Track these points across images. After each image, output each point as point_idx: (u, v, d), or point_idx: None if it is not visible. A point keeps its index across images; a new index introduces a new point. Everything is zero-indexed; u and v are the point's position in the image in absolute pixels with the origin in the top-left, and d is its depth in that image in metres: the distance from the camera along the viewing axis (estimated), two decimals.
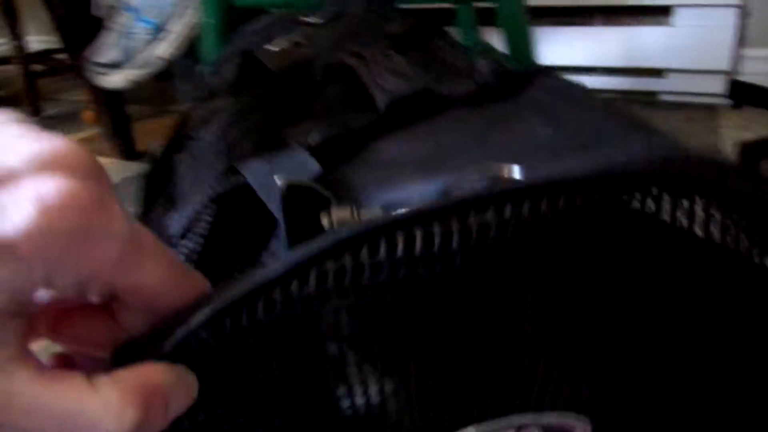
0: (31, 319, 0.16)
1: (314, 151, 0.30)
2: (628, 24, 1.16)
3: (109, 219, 0.16)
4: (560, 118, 0.28)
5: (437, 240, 0.18)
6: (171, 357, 0.18)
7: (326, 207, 0.23)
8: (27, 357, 0.16)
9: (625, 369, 0.23)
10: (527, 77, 0.33)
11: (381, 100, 0.35)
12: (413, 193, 0.24)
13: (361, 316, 0.19)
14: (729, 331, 0.22)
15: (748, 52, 1.12)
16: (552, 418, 0.23)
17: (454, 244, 0.18)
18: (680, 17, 1.13)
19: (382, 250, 0.18)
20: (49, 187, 0.15)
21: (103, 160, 0.59)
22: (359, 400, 0.23)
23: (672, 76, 1.17)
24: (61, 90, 1.66)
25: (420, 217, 0.18)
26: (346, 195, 0.26)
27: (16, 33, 1.40)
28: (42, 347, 0.18)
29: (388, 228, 0.18)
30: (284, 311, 0.18)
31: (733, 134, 1.02)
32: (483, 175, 0.21)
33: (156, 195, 0.41)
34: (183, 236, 0.30)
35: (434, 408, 0.22)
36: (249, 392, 0.20)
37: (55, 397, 0.16)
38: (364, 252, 0.18)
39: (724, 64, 1.10)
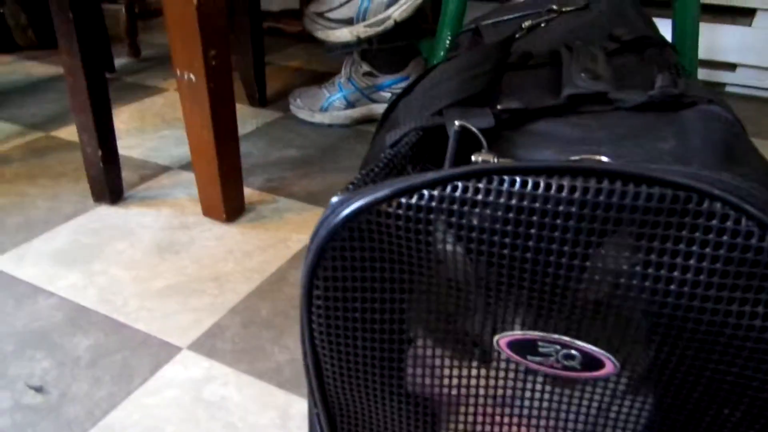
0: None
1: (497, 114, 0.41)
2: (713, 21, 1.35)
3: None
4: (690, 140, 0.35)
5: (530, 187, 0.28)
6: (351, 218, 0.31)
7: (480, 149, 0.34)
8: None
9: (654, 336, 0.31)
10: (691, 103, 0.40)
11: (566, 91, 0.44)
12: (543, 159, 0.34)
13: (471, 231, 0.30)
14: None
15: None
16: (588, 347, 0.32)
17: (543, 192, 0.28)
18: (761, 19, 1.34)
19: (495, 184, 0.28)
20: None
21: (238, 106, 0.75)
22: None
23: (741, 71, 1.40)
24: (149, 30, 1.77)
25: (524, 170, 0.28)
26: (499, 147, 0.36)
27: None
28: None
29: (502, 171, 0.28)
30: (431, 203, 0.30)
31: None
32: (584, 160, 0.30)
33: (384, 122, 0.56)
34: (392, 146, 0.43)
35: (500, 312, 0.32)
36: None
37: None
38: (483, 183, 0.29)
39: None
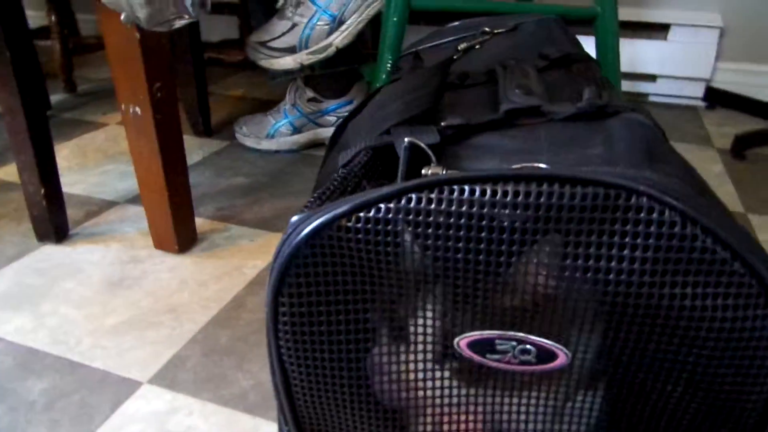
0: None
1: (441, 130, 0.43)
2: (632, 37, 1.46)
3: None
4: (616, 145, 0.38)
5: (478, 194, 0.30)
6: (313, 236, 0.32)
7: (429, 163, 0.36)
8: None
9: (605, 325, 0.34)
10: (615, 112, 0.43)
11: (503, 106, 0.47)
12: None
13: (426, 239, 0.32)
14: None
15: (720, 64, 1.49)
16: (541, 341, 0.35)
17: (490, 198, 0.30)
18: (674, 34, 1.45)
19: (446, 194, 0.31)
20: None
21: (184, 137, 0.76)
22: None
23: (661, 81, 1.51)
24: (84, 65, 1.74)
25: (472, 179, 0.30)
26: (446, 161, 0.39)
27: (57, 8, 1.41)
28: None
29: (452, 181, 0.31)
30: (388, 216, 0.32)
31: (713, 130, 1.34)
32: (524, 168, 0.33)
33: (334, 144, 0.58)
34: (344, 166, 0.45)
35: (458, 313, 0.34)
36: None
37: None
38: (435, 194, 0.31)
39: (706, 73, 1.45)
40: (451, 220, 0.32)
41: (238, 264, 0.82)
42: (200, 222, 0.91)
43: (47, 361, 0.64)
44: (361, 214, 0.33)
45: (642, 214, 0.30)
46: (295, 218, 0.37)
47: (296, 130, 1.19)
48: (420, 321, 0.37)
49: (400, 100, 0.52)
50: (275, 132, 1.18)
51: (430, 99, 0.51)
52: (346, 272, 0.35)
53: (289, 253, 0.35)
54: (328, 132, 1.17)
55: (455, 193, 0.32)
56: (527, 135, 0.44)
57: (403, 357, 0.38)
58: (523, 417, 0.39)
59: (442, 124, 0.45)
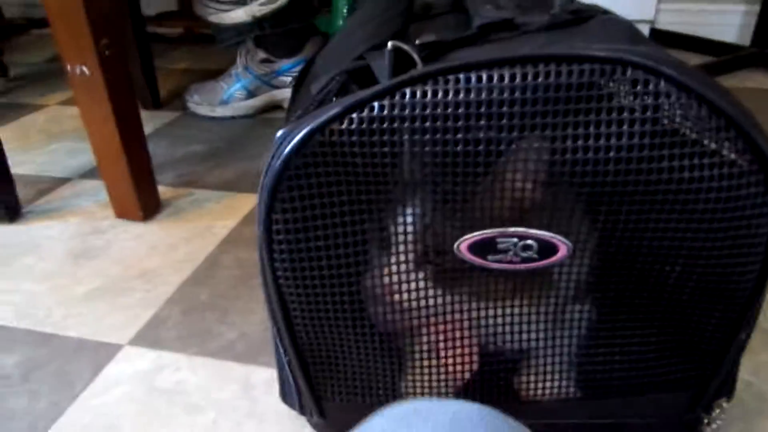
0: None
1: (418, 48, 0.42)
2: None
3: None
4: (598, 38, 0.38)
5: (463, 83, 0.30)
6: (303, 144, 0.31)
7: (414, 66, 0.35)
8: None
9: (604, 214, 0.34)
10: (589, 16, 0.43)
11: (476, 21, 0.46)
12: None
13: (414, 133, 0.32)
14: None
15: (663, 6, 1.54)
16: (542, 233, 0.35)
17: (487, 84, 0.30)
18: None
19: (441, 84, 0.30)
20: None
21: None
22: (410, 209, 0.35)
23: None
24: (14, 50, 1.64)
25: (466, 66, 0.30)
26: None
27: None
28: None
29: (447, 70, 0.30)
30: (382, 113, 0.31)
31: None
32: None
33: (303, 80, 0.56)
34: (318, 93, 0.43)
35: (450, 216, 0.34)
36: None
37: None
38: (430, 86, 0.30)
39: (650, 15, 1.44)
40: (449, 110, 0.31)
41: (207, 225, 0.79)
42: (162, 189, 0.87)
43: (16, 336, 0.61)
44: (354, 115, 0.32)
45: (638, 87, 0.30)
46: (280, 132, 0.35)
47: (251, 94, 1.15)
48: (417, 227, 0.36)
49: (369, 24, 0.51)
50: (229, 98, 1.15)
51: (400, 20, 0.50)
52: (340, 181, 0.34)
53: (279, 166, 0.34)
54: (284, 93, 1.14)
55: (451, 83, 0.31)
56: (504, 48, 0.43)
57: (396, 269, 0.37)
58: (518, 327, 0.39)
59: (417, 42, 0.44)
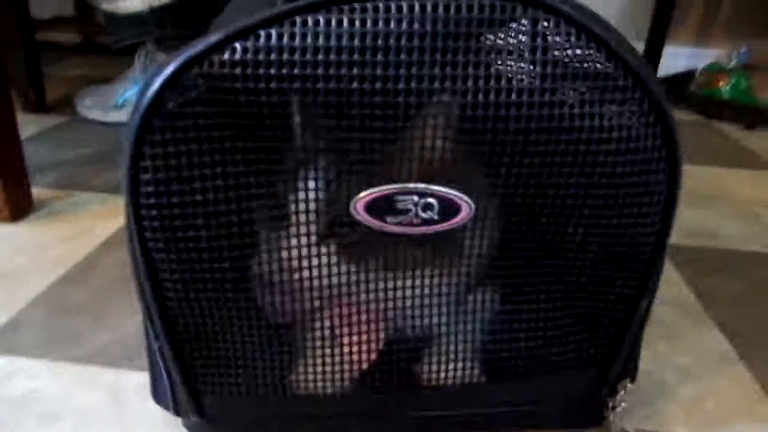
0: None
1: None
2: None
3: None
4: None
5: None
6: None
7: None
8: None
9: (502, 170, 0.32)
10: None
11: None
12: None
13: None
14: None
15: None
16: (445, 191, 0.32)
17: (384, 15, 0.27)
18: None
19: (335, 13, 0.27)
20: None
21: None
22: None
23: None
24: None
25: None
26: None
27: None
28: None
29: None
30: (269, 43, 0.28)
31: None
32: None
33: None
34: None
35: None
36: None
37: None
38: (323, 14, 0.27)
39: None
40: (344, 42, 0.28)
41: (86, 227, 0.71)
42: (39, 191, 0.78)
43: None
44: (237, 45, 0.29)
45: (539, 27, 0.29)
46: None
47: None
48: (311, 184, 0.33)
49: None
50: (124, 102, 1.07)
51: None
52: (223, 125, 0.30)
53: (148, 101, 0.29)
54: None
55: (345, 12, 0.28)
56: None
57: (296, 243, 0.33)
58: (422, 306, 0.37)
59: None
